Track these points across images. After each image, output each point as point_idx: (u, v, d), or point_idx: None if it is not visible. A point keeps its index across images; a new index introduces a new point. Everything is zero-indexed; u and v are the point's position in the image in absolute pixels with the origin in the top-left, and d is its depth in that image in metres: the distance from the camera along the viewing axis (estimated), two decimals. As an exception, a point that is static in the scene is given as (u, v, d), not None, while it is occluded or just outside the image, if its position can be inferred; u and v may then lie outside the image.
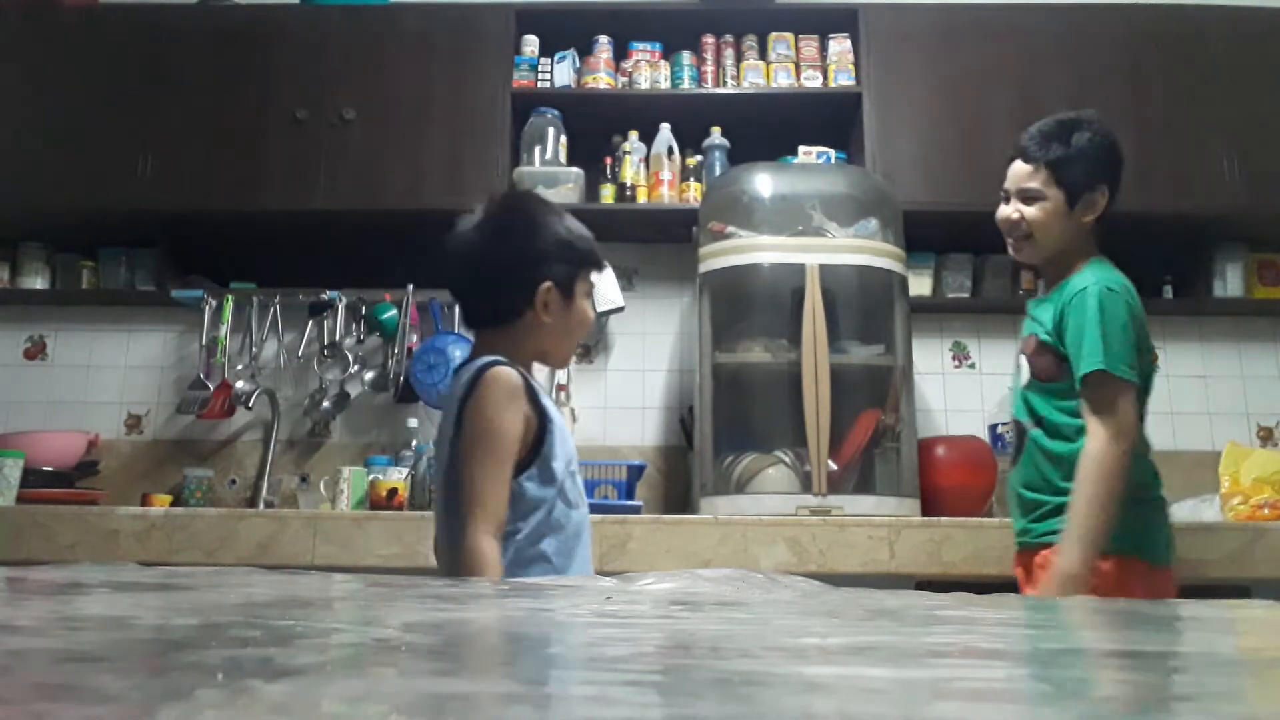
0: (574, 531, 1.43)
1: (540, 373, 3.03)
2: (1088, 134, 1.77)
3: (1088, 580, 1.57)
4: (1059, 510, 1.66)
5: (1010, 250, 1.86)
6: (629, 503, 2.46)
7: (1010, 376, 1.89)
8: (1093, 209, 1.78)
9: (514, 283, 1.44)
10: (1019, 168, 1.81)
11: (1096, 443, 1.62)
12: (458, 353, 2.81)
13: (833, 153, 2.92)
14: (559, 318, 1.46)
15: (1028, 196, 1.78)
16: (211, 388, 2.87)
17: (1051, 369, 1.73)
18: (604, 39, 3.03)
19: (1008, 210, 1.83)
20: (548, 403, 1.45)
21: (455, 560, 1.34)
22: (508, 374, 1.39)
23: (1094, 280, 1.72)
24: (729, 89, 2.99)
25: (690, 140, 2.98)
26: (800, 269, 2.46)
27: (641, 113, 2.97)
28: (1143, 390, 1.73)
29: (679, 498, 2.85)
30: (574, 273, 1.47)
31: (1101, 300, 1.68)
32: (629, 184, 2.92)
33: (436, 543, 1.52)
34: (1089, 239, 1.81)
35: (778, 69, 2.98)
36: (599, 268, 1.52)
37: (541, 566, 1.37)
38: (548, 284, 1.43)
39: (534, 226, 1.46)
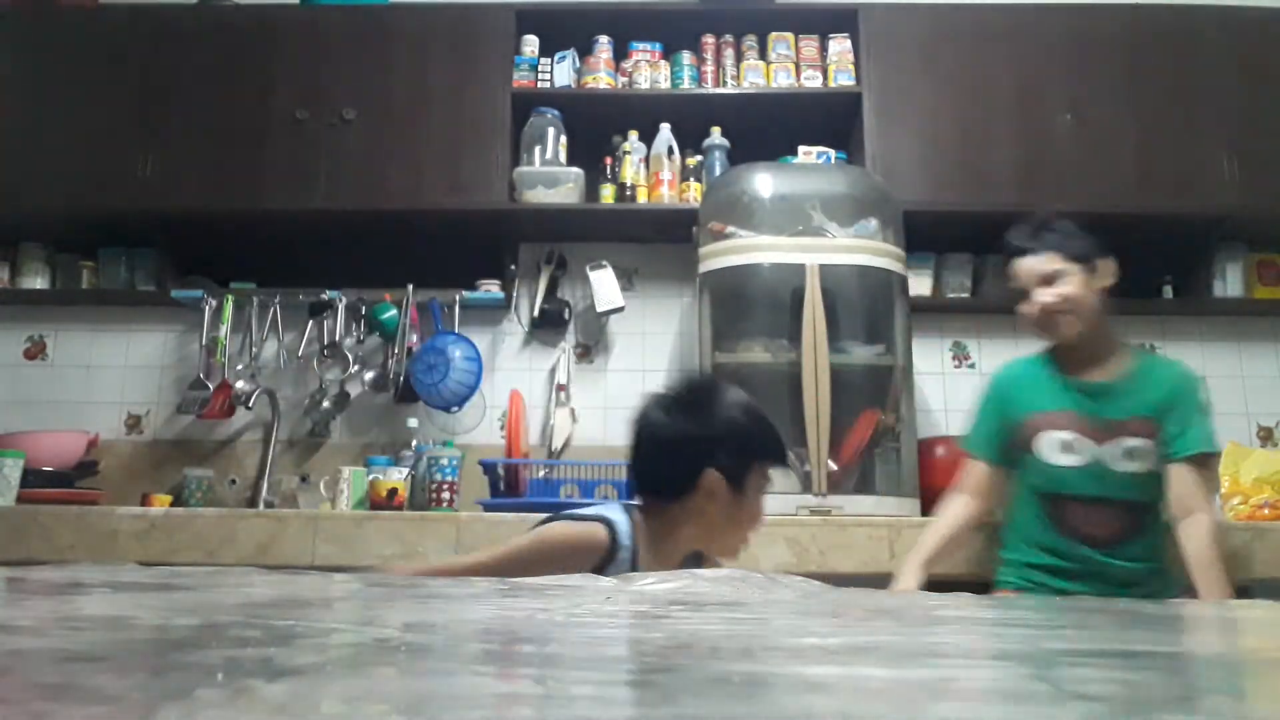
0: None
1: (541, 373, 3.03)
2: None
3: None
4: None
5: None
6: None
7: (1094, 458, 1.85)
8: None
9: (680, 459, 1.39)
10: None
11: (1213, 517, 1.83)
12: (457, 353, 2.81)
13: (833, 153, 2.92)
14: (724, 508, 1.39)
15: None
16: (211, 388, 2.87)
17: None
18: (604, 39, 3.03)
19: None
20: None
21: None
22: (592, 531, 1.36)
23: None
24: (729, 89, 2.99)
25: (690, 140, 2.98)
26: (800, 269, 2.46)
27: (641, 113, 2.97)
28: None
29: (679, 498, 2.85)
30: (746, 464, 1.40)
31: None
32: (629, 184, 2.92)
33: None
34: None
35: (778, 69, 2.98)
36: (778, 461, 1.45)
37: None
38: (714, 472, 1.37)
39: (709, 408, 1.41)
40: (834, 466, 2.34)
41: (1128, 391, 1.85)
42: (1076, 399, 1.86)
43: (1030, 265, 1.87)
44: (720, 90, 2.99)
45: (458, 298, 2.92)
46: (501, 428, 2.93)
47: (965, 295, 2.99)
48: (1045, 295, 1.84)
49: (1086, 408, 1.85)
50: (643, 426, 1.43)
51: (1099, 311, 1.86)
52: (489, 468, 2.55)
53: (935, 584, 1.80)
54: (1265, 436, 3.00)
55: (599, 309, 2.92)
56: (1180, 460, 1.80)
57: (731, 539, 1.43)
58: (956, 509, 1.94)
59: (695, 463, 1.37)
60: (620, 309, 2.94)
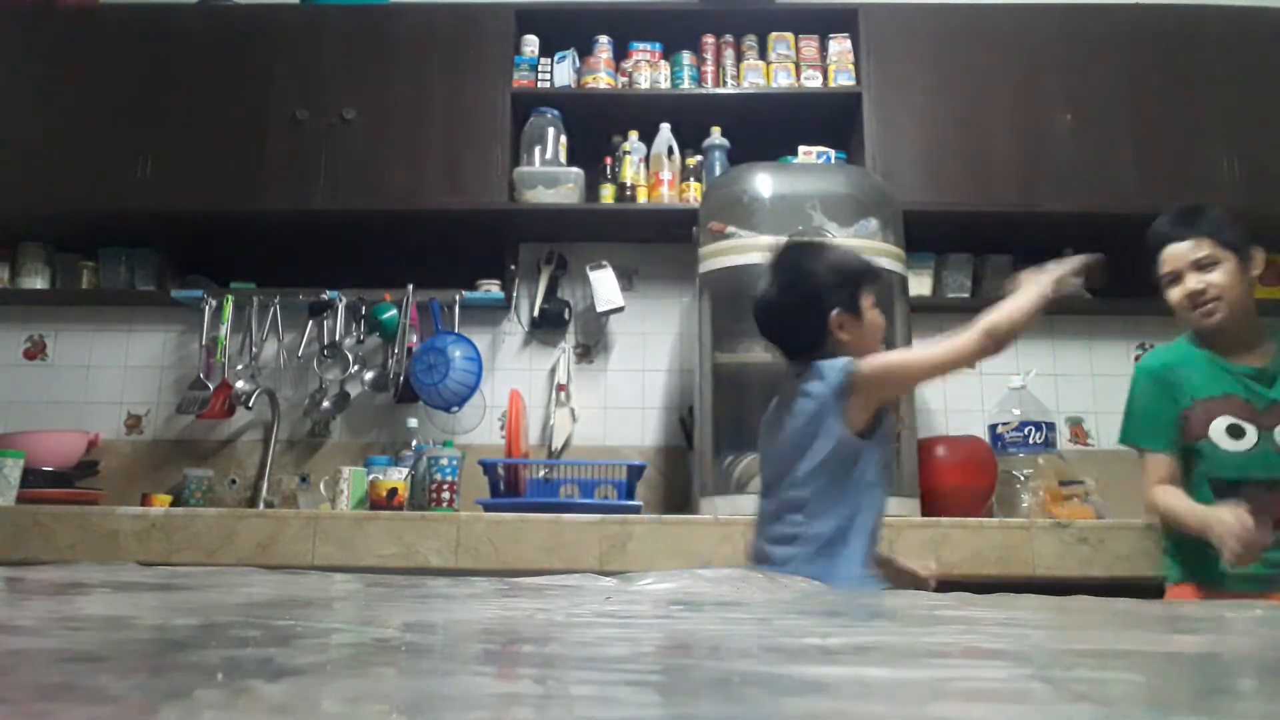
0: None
1: (541, 373, 3.03)
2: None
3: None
4: None
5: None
6: (629, 503, 2.46)
7: (1262, 441, 1.84)
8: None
9: (807, 320, 1.65)
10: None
11: None
12: (458, 353, 2.81)
13: (833, 153, 2.92)
14: (855, 334, 1.65)
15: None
16: (211, 388, 2.87)
17: None
18: (604, 39, 3.03)
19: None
20: None
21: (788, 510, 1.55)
22: None
23: None
24: (729, 89, 2.99)
25: (690, 140, 2.98)
26: (800, 269, 2.45)
27: (641, 113, 2.97)
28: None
29: (679, 498, 2.85)
30: (855, 293, 1.66)
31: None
32: (629, 184, 2.92)
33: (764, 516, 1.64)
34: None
35: (778, 69, 2.98)
36: (874, 278, 1.73)
37: None
38: (835, 311, 1.63)
39: (807, 271, 1.67)
40: (834, 466, 2.34)
41: None
42: (1238, 383, 1.86)
43: (1182, 251, 1.89)
44: (720, 90, 2.99)
45: (458, 298, 2.92)
46: (501, 428, 2.93)
47: (965, 295, 2.98)
48: (1196, 282, 1.87)
49: (1248, 392, 1.85)
50: (766, 311, 1.70)
51: (1248, 299, 1.88)
52: (489, 468, 2.55)
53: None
54: (1265, 436, 3.00)
55: (599, 309, 2.92)
56: None
57: (870, 351, 1.67)
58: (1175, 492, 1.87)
59: (821, 315, 1.62)
60: (620, 309, 2.94)
